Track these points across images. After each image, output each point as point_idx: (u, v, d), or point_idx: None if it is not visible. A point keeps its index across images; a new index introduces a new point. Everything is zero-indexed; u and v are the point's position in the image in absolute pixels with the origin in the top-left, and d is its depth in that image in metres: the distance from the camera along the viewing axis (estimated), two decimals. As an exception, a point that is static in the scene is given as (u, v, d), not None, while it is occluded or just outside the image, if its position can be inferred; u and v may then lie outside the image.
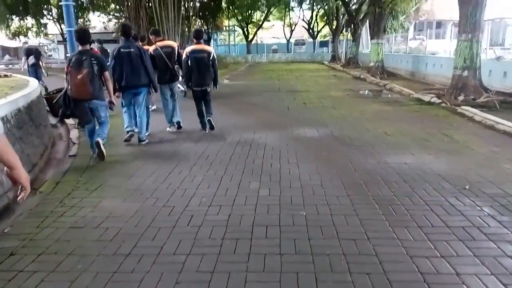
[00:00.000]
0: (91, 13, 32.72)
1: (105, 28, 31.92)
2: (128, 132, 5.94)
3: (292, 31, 40.58)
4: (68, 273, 2.53)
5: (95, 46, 8.88)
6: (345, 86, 13.71)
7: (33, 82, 7.02)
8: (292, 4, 38.42)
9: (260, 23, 39.94)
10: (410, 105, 9.34)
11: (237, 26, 40.86)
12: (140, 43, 7.58)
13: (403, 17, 26.44)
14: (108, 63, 5.61)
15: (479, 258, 2.58)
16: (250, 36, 39.87)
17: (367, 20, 22.40)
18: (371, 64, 17.44)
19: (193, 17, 25.21)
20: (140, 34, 9.53)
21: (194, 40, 6.43)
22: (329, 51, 34.57)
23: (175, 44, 6.93)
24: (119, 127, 6.26)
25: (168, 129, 6.76)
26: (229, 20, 37.17)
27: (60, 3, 9.51)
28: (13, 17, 31.26)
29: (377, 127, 6.69)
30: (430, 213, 3.27)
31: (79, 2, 29.49)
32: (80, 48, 4.97)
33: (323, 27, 39.69)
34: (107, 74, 5.14)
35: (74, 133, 6.71)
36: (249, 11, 37.59)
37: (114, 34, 26.29)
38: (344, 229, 3.03)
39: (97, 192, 3.98)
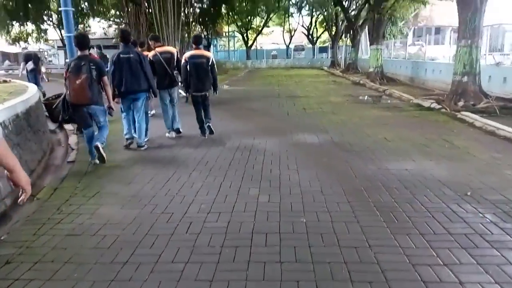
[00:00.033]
0: (91, 19, 32.83)
1: (105, 34, 32.06)
2: (127, 139, 5.97)
3: (291, 37, 40.73)
4: (65, 282, 2.49)
5: (94, 52, 8.87)
6: (344, 92, 13.71)
7: (32, 88, 6.99)
8: (292, 10, 38.71)
9: (260, 29, 40.09)
10: (410, 110, 9.33)
11: (237, 32, 41.00)
12: (140, 49, 7.59)
13: (402, 23, 26.61)
14: (107, 69, 5.61)
15: (482, 266, 2.54)
16: (250, 42, 40.00)
17: (366, 26, 22.51)
18: (370, 69, 17.48)
19: (193, 23, 25.32)
20: (140, 40, 9.56)
21: (193, 46, 6.43)
22: (329, 57, 34.70)
23: (174, 50, 6.94)
24: (118, 133, 6.24)
25: (167, 134, 6.74)
26: (228, 26, 37.32)
27: (59, 9, 9.52)
28: (13, 22, 31.33)
29: (377, 133, 6.67)
30: (432, 220, 3.24)
31: (79, 8, 29.61)
32: (79, 53, 4.97)
33: (322, 33, 39.84)
34: (105, 79, 5.13)
35: (73, 139, 6.68)
36: (249, 17, 37.74)
37: (114, 40, 26.37)
38: (345, 237, 2.99)
39: (95, 199, 3.94)
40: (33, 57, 11.38)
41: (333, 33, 31.45)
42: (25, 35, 34.30)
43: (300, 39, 43.74)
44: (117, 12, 26.92)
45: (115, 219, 3.42)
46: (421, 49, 19.14)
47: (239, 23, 38.10)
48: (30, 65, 11.15)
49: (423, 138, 6.26)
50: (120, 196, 3.99)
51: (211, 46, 33.18)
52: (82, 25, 32.29)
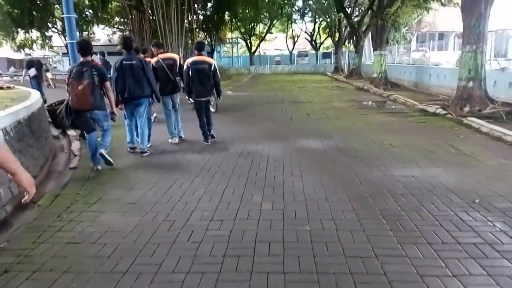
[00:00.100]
0: (95, 26, 33.09)
1: (109, 40, 32.28)
2: (130, 148, 6.08)
3: (294, 43, 40.80)
4: (63, 292, 2.43)
5: (96, 58, 8.89)
6: (348, 97, 13.65)
7: (35, 94, 7.00)
8: (295, 16, 38.82)
9: (263, 35, 40.21)
10: (415, 116, 9.25)
11: (240, 38, 41.14)
12: (142, 55, 7.58)
13: (405, 28, 26.59)
14: (110, 76, 5.60)
15: (493, 277, 2.45)
16: (253, 48, 40.10)
17: (370, 32, 22.51)
18: (374, 75, 17.42)
19: (197, 30, 25.40)
20: (143, 47, 9.57)
21: (196, 52, 6.44)
22: (332, 63, 34.68)
23: (177, 56, 6.95)
24: (121, 138, 6.21)
25: (170, 140, 6.71)
26: (232, 32, 37.44)
27: (62, 16, 9.57)
28: (19, 30, 31.63)
29: (382, 139, 6.59)
30: (439, 229, 3.15)
31: (84, 15, 29.85)
32: (81, 59, 4.96)
33: (325, 39, 39.91)
34: (108, 84, 5.12)
35: (75, 145, 6.65)
36: (252, 24, 37.88)
37: (118, 47, 26.51)
38: (350, 246, 2.91)
39: (96, 206, 3.89)
40: (36, 64, 11.44)
41: (336, 39, 31.47)
42: (30, 42, 34.63)
43: (303, 45, 43.82)
44: (121, 19, 27.09)
45: (116, 226, 3.36)
46: (424, 54, 19.08)
47: (243, 30, 38.25)
48: (32, 72, 11.21)
49: (429, 144, 6.17)
50: (122, 203, 3.93)
51: (215, 52, 33.29)
52: (86, 32, 32.54)
